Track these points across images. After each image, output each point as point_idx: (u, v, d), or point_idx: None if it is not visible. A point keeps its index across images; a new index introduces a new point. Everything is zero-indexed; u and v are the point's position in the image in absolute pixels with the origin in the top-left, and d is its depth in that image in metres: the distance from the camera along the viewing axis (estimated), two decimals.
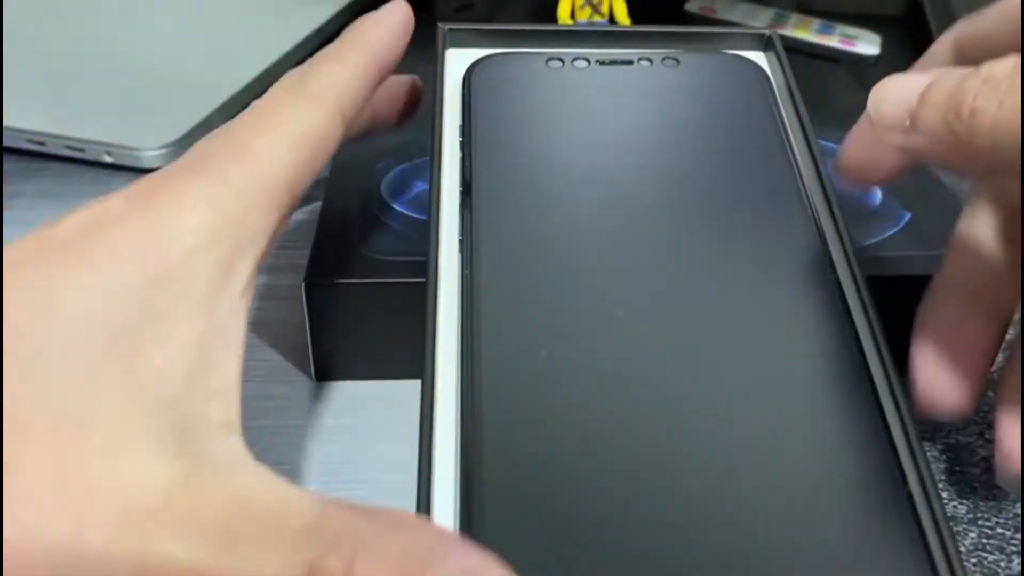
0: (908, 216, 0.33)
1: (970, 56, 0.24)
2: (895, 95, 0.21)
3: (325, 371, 0.31)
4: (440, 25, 0.29)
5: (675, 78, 0.28)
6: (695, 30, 0.30)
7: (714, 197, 0.24)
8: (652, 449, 0.19)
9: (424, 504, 0.18)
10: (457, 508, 0.18)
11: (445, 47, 0.29)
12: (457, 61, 0.28)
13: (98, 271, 0.18)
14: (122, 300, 0.18)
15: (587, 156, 0.25)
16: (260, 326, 0.33)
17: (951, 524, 0.18)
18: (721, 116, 0.27)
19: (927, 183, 0.35)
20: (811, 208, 0.24)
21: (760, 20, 0.56)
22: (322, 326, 0.30)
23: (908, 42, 0.55)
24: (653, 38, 0.29)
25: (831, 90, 0.47)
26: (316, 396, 0.30)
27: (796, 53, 0.53)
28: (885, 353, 0.21)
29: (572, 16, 0.50)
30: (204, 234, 0.19)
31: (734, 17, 0.56)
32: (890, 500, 0.18)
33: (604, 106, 0.27)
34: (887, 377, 0.21)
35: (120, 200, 0.20)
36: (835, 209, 0.24)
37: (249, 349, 0.32)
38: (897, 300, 0.30)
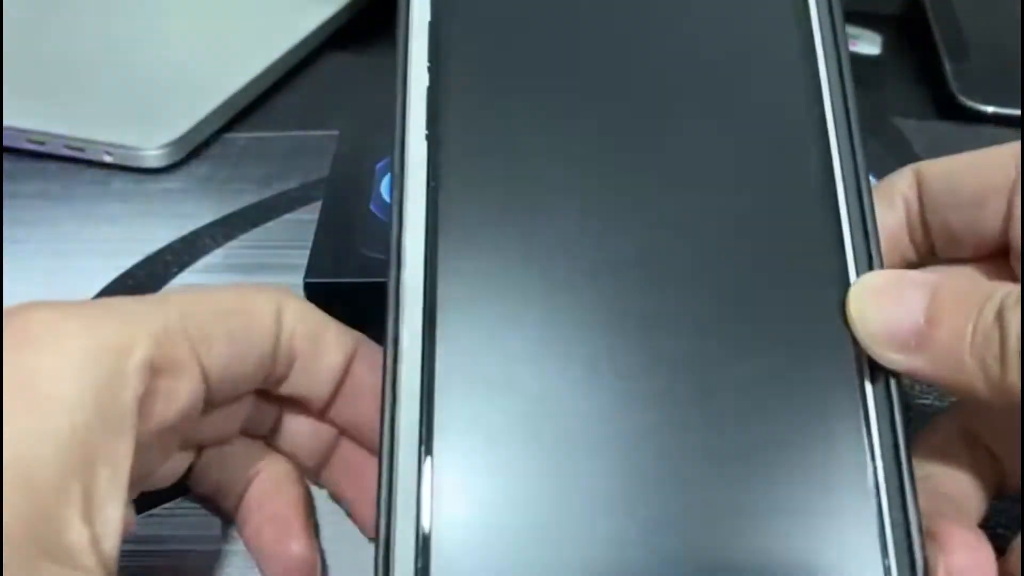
0: None
1: (930, 191, 0.22)
2: (891, 312, 0.19)
3: None
4: None
5: None
6: None
7: (716, 96, 0.22)
8: (614, 435, 0.18)
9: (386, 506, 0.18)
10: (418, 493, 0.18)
11: None
12: None
13: None
14: None
15: (575, 45, 0.22)
16: None
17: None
18: (739, 9, 0.23)
19: None
20: (823, 124, 0.22)
21: None
22: None
23: (909, 42, 0.55)
24: None
25: None
26: None
27: None
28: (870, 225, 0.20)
29: None
30: (79, 358, 0.18)
31: None
32: (844, 386, 0.18)
33: None
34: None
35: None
36: (854, 135, 0.22)
37: None
38: None
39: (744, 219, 0.20)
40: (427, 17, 0.23)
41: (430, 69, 0.22)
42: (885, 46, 0.54)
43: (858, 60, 0.53)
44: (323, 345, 0.23)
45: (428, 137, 0.21)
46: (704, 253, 0.20)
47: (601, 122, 0.21)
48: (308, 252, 0.30)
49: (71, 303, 0.19)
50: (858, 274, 0.20)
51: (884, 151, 0.38)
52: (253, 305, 0.21)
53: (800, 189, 0.21)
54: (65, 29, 0.51)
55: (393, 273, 0.20)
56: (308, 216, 0.38)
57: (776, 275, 0.20)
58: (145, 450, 0.19)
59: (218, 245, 0.37)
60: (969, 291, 0.19)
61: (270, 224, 0.38)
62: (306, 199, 0.40)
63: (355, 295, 0.29)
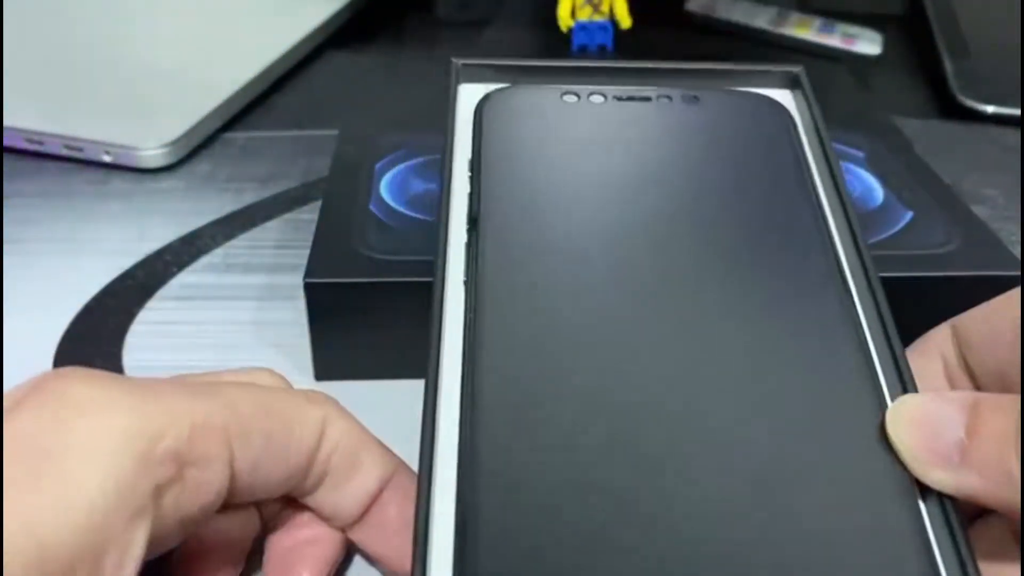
0: (910, 216, 0.33)
1: (968, 340, 0.23)
2: (930, 429, 0.19)
3: (325, 371, 0.31)
4: (453, 60, 0.28)
5: (695, 116, 0.27)
6: (718, 67, 0.29)
7: (732, 242, 0.23)
8: (654, 475, 0.18)
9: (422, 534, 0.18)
10: (454, 538, 0.18)
11: (458, 82, 0.28)
12: (469, 96, 0.27)
13: None
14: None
15: (601, 196, 0.24)
16: (260, 326, 0.33)
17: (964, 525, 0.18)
18: (742, 157, 0.26)
19: (928, 183, 0.35)
20: (835, 257, 0.23)
21: (761, 19, 0.56)
22: (322, 326, 0.30)
23: (909, 41, 0.55)
24: (674, 75, 0.28)
25: (832, 90, 0.47)
26: None
27: (797, 52, 0.53)
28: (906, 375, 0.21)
29: (572, 15, 0.50)
30: (112, 438, 0.18)
31: (735, 16, 0.56)
32: (900, 510, 0.18)
33: (620, 144, 0.26)
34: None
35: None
36: (865, 258, 0.23)
37: (249, 349, 0.32)
38: (897, 300, 0.30)
39: (777, 357, 0.21)
40: (468, 154, 0.25)
41: (470, 196, 0.24)
42: (885, 46, 0.54)
43: (858, 60, 0.53)
44: (359, 468, 0.22)
45: (466, 244, 0.23)
46: (742, 391, 0.20)
47: (626, 262, 0.22)
48: (308, 252, 0.30)
49: (114, 377, 0.19)
50: (892, 398, 0.20)
51: (885, 151, 0.38)
52: (300, 413, 0.21)
53: (825, 325, 0.21)
54: (64, 29, 0.51)
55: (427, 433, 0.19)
56: (308, 216, 0.38)
57: (817, 409, 0.20)
58: (160, 534, 0.18)
59: (218, 245, 0.37)
60: (1008, 400, 0.18)
61: (270, 224, 0.38)
62: (306, 199, 0.40)
63: (355, 295, 0.29)
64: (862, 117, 0.42)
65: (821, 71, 0.50)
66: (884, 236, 0.32)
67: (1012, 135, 0.47)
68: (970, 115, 0.48)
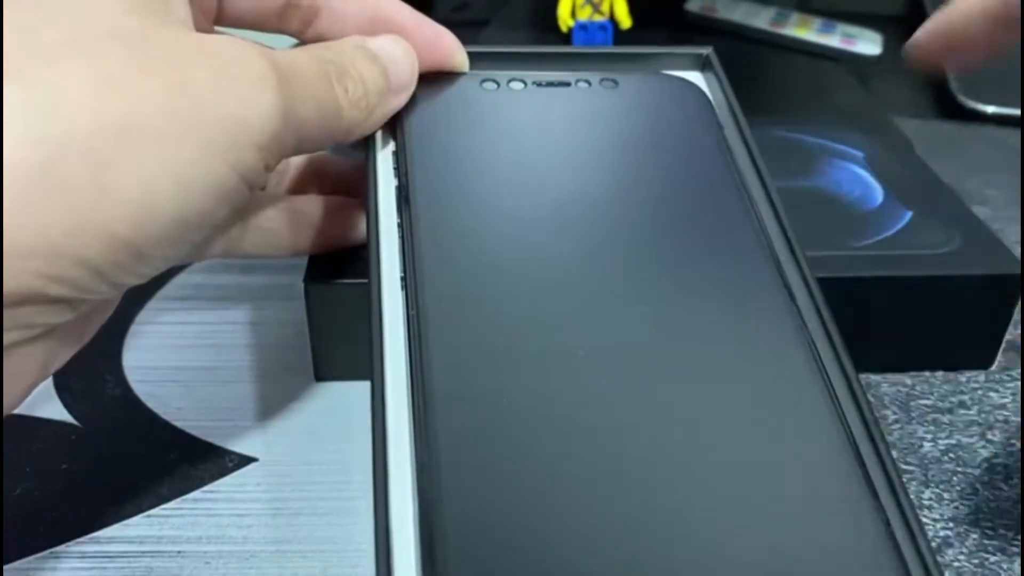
0: (909, 216, 0.33)
1: None
2: None
3: (325, 371, 0.31)
4: None
5: (613, 99, 0.27)
6: (631, 51, 0.29)
7: (660, 221, 0.24)
8: (610, 460, 0.18)
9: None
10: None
11: None
12: None
13: None
14: None
15: (527, 182, 0.24)
16: (260, 326, 0.33)
17: (927, 534, 0.18)
18: (661, 137, 0.26)
19: (928, 183, 0.35)
20: (760, 226, 0.24)
21: (761, 19, 0.56)
22: (322, 326, 0.30)
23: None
24: (590, 60, 0.29)
25: (832, 90, 0.47)
26: (316, 396, 0.30)
27: (797, 52, 0.53)
28: (850, 371, 0.21)
29: (572, 15, 0.50)
30: None
31: (735, 16, 0.56)
32: (863, 522, 0.18)
33: (541, 129, 0.26)
34: (856, 402, 0.20)
35: None
36: (788, 231, 0.24)
37: (249, 349, 0.32)
38: (897, 300, 0.30)
39: (716, 339, 0.21)
40: (392, 147, 0.26)
41: (397, 189, 0.24)
42: (885, 46, 0.54)
43: (858, 60, 0.53)
44: None
45: (399, 239, 0.23)
46: (690, 376, 0.20)
47: (559, 248, 0.23)
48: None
49: None
50: (832, 378, 0.21)
51: (885, 151, 0.38)
52: None
53: (760, 301, 0.22)
54: None
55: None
56: None
57: (762, 388, 0.20)
58: None
59: None
60: None
61: None
62: None
63: (355, 295, 0.29)
64: (862, 117, 0.42)
65: (821, 71, 0.50)
66: (883, 236, 0.32)
67: (1012, 135, 0.47)
68: (970, 115, 0.48)
